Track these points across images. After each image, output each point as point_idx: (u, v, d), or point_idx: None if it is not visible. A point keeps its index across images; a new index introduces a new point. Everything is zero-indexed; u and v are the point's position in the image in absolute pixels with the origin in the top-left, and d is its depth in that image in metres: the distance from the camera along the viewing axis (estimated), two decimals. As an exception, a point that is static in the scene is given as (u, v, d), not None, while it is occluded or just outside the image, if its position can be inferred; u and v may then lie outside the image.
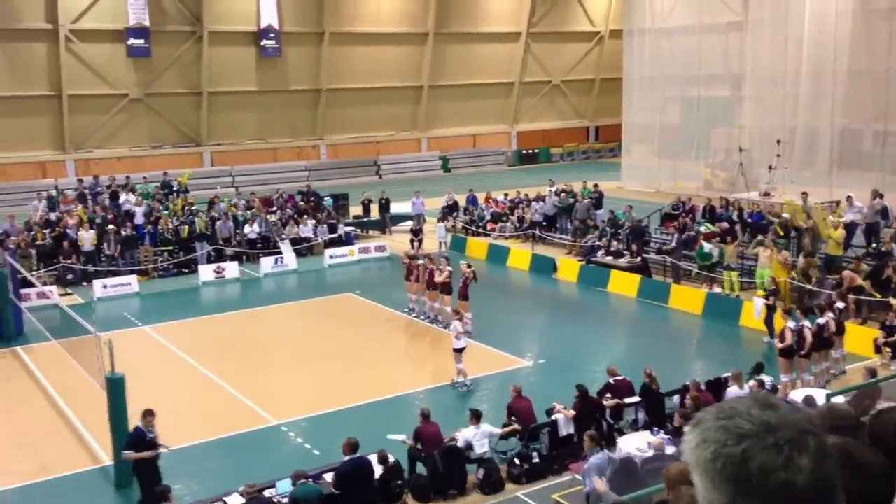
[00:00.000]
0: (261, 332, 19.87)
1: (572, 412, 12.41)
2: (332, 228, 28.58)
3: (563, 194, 29.09)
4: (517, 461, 11.97)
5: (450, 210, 30.75)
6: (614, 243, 24.31)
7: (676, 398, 13.26)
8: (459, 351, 15.55)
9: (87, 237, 24.34)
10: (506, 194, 31.94)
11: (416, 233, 27.30)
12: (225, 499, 10.46)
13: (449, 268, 18.96)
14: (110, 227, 24.80)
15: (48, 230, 25.00)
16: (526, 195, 30.95)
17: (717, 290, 21.20)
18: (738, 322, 19.06)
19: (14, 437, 14.18)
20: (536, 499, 11.32)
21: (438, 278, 18.73)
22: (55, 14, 36.17)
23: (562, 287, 23.76)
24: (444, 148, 48.39)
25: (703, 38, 35.35)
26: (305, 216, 28.68)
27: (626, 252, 23.84)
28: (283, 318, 21.36)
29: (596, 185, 29.59)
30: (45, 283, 22.39)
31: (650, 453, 10.91)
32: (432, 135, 48.06)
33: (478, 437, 11.84)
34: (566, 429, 12.30)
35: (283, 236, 27.37)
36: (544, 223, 28.68)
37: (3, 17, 34.92)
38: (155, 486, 10.53)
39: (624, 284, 22.33)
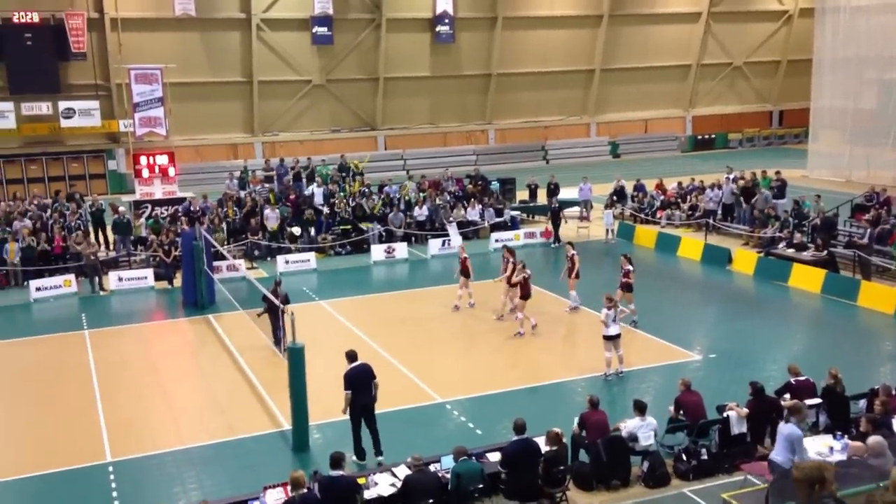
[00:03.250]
0: (427, 312, 20.36)
1: (746, 410, 11.85)
2: (499, 212, 28.80)
3: (741, 181, 27.73)
4: (684, 457, 11.61)
5: (618, 197, 30.11)
6: (797, 235, 22.89)
7: (863, 402, 12.35)
8: (609, 339, 15.27)
9: (272, 216, 25.96)
10: (679, 182, 30.84)
11: (555, 217, 26.97)
12: (393, 469, 10.86)
13: (527, 271, 18.17)
14: (294, 228, 26.29)
15: (238, 207, 26.90)
16: (701, 182, 29.74)
17: (914, 289, 19.48)
18: (937, 325, 17.44)
19: (206, 398, 15.43)
20: (704, 496, 10.92)
21: (515, 278, 18.13)
22: (248, 4, 38.65)
23: (737, 279, 22.69)
24: (614, 133, 47.43)
25: (906, 16, 32.40)
26: (473, 200, 29.07)
27: (810, 245, 22.38)
28: (449, 299, 21.75)
29: (778, 173, 27.92)
30: (234, 257, 24.12)
31: (835, 457, 10.23)
32: (602, 119, 47.20)
33: (643, 430, 11.59)
34: (738, 427, 11.77)
35: (451, 219, 27.90)
36: (719, 212, 27.46)
37: (203, 8, 37.75)
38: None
39: (807, 279, 21.00)
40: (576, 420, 11.92)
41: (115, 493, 11.74)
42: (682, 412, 12.20)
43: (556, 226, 27.24)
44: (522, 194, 31.71)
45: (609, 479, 11.31)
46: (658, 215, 29.01)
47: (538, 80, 44.74)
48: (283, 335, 16.61)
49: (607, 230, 27.38)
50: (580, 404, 12.65)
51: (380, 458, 12.11)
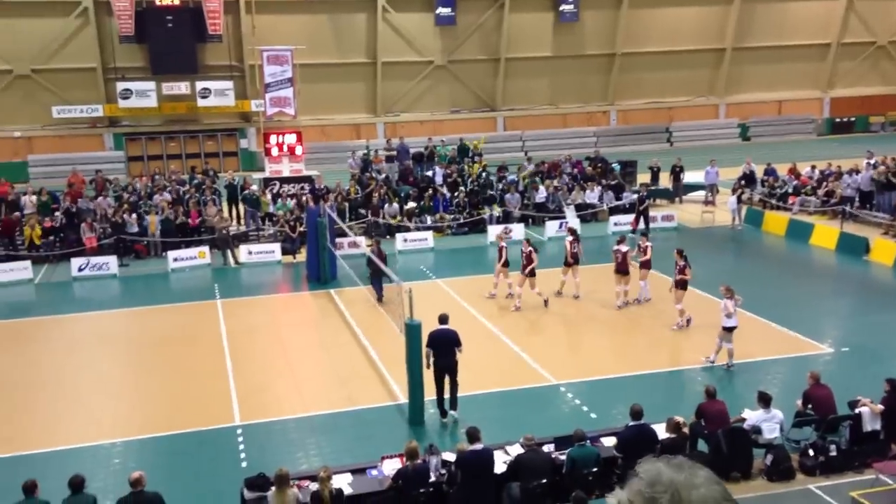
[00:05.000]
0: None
1: (880, 407, 11.24)
2: (618, 196, 28.23)
3: (882, 167, 26.05)
4: (811, 452, 11.13)
5: (746, 181, 28.90)
6: (944, 225, 21.34)
7: None
8: (728, 330, 14.74)
9: (391, 210, 26.37)
10: (813, 166, 29.30)
11: (641, 202, 25.56)
12: (507, 448, 10.95)
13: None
14: (411, 204, 26.69)
15: (360, 187, 27.58)
16: (838, 167, 28.15)
17: None
18: None
19: (327, 369, 16.00)
20: (832, 493, 10.46)
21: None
22: (375, -14, 39.34)
23: (874, 270, 21.41)
24: (744, 115, 45.47)
25: None
26: (592, 182, 28.62)
27: (959, 236, 20.82)
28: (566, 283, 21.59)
29: (925, 159, 26.09)
30: (355, 235, 24.76)
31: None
32: (732, 100, 45.33)
33: (768, 422, 11.19)
34: (871, 424, 11.19)
35: (569, 202, 27.58)
36: (857, 199, 25.93)
37: (330, -8, 38.73)
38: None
39: (954, 273, 19.58)
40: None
41: (242, 455, 12.39)
42: (809, 406, 11.69)
43: (643, 215, 25.44)
44: (644, 177, 30.95)
45: (729, 471, 10.98)
46: (790, 201, 27.68)
47: (664, 59, 43.36)
48: (381, 289, 18.75)
49: (733, 216, 26.36)
50: (698, 393, 12.32)
51: (453, 414, 12.95)
